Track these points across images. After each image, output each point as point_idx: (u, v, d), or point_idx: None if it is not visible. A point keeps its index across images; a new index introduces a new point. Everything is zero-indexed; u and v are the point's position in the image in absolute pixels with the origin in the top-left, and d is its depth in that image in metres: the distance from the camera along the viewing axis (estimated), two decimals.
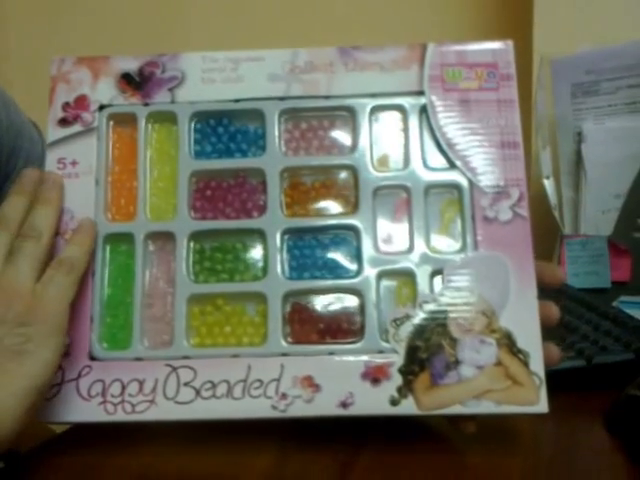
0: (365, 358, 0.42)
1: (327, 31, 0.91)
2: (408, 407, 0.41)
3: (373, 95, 0.46)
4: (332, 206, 0.46)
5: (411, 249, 0.44)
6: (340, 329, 0.43)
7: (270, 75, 0.47)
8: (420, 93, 0.46)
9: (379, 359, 0.42)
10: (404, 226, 0.45)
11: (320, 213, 0.45)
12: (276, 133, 0.46)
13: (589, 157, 0.77)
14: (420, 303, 0.43)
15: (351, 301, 0.44)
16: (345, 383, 0.41)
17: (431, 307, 0.42)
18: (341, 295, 0.44)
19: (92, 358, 0.43)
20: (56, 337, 0.40)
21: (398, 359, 0.42)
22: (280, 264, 0.44)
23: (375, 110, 0.46)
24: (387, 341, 0.42)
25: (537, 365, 0.41)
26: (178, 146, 0.46)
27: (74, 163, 0.46)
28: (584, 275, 0.75)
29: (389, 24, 0.93)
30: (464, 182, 0.44)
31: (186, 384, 0.42)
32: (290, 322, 0.43)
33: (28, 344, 0.39)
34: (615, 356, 0.52)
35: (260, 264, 0.45)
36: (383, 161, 0.46)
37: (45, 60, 0.49)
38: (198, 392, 0.42)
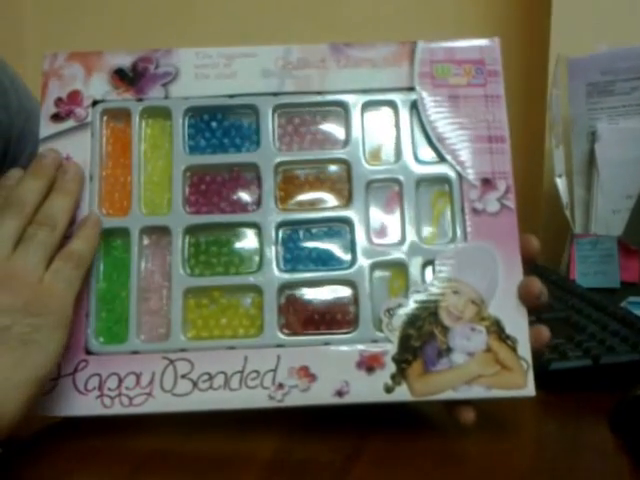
0: (359, 347, 0.44)
1: (319, 28, 0.92)
2: (402, 394, 0.43)
3: (365, 91, 0.48)
4: (326, 199, 0.47)
5: (403, 241, 0.46)
6: (334, 320, 0.45)
7: (263, 71, 0.48)
8: (411, 89, 0.48)
9: (373, 348, 0.44)
10: (396, 218, 0.47)
11: (314, 206, 0.47)
12: (270, 128, 0.48)
13: (602, 157, 0.79)
14: (412, 293, 0.45)
15: (345, 292, 0.45)
16: (340, 372, 0.43)
17: (423, 297, 0.44)
18: (335, 286, 0.46)
19: (88, 352, 0.44)
20: (62, 330, 0.41)
21: (392, 348, 0.44)
22: (275, 257, 0.46)
23: (367, 106, 0.48)
24: (381, 330, 0.44)
25: (524, 350, 0.43)
26: (172, 141, 0.48)
27: (67, 158, 0.47)
28: (593, 275, 0.77)
29: (394, 21, 0.94)
30: (453, 175, 0.47)
31: (183, 376, 0.43)
32: (285, 314, 0.45)
33: (35, 334, 0.39)
34: (622, 356, 0.52)
35: (255, 257, 0.46)
36: (375, 155, 0.48)
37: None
38: (195, 384, 0.43)
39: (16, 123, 0.60)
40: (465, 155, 0.47)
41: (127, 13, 1.00)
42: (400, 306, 0.44)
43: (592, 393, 0.50)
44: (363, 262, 0.45)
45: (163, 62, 0.49)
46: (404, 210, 0.46)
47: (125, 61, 0.49)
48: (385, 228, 0.47)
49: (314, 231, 0.47)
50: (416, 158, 0.47)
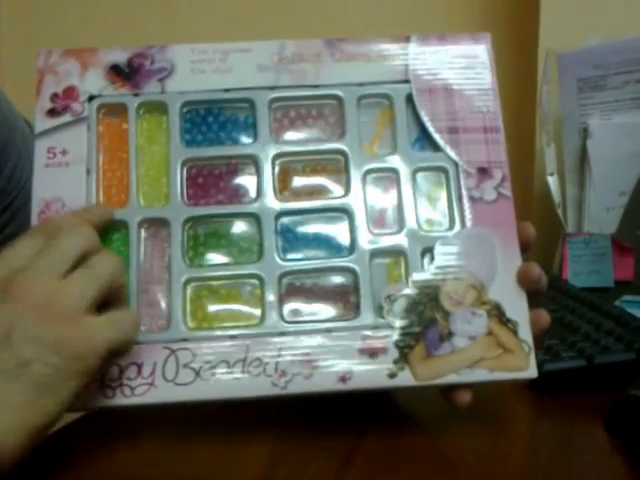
0: (361, 334, 0.45)
1: (313, 24, 0.93)
2: (405, 379, 0.44)
3: (360, 84, 0.49)
4: (323, 190, 0.48)
5: (401, 229, 0.47)
6: (336, 308, 0.46)
7: (259, 66, 0.50)
8: (405, 82, 0.49)
9: (375, 334, 0.44)
10: (394, 207, 0.48)
11: (312, 197, 0.48)
12: (267, 121, 0.49)
13: (594, 153, 0.78)
14: (412, 279, 0.46)
15: (345, 280, 0.46)
16: (343, 359, 0.44)
17: (423, 283, 0.46)
18: (335, 274, 0.46)
19: None
20: (80, 379, 0.38)
21: (393, 333, 0.44)
22: (275, 246, 0.47)
23: (362, 98, 0.49)
24: (382, 317, 0.45)
25: (525, 333, 0.45)
26: (169, 135, 0.49)
27: (64, 152, 0.48)
28: (587, 274, 0.76)
29: (384, 19, 0.95)
30: (450, 165, 0.48)
31: (185, 365, 0.44)
32: (286, 302, 0.46)
33: (53, 378, 0.37)
34: (616, 356, 0.52)
35: (255, 247, 0.47)
36: (371, 147, 0.49)
37: (33, 54, 0.50)
38: (198, 373, 0.43)
39: (0, 134, 0.60)
40: (461, 145, 0.48)
41: (113, 14, 1.00)
42: (401, 292, 0.45)
43: (587, 394, 0.50)
44: (363, 250, 0.46)
45: (158, 58, 0.50)
46: (402, 198, 0.48)
47: (120, 57, 0.50)
48: (383, 217, 0.48)
49: (313, 220, 0.48)
50: (412, 149, 0.49)
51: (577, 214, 0.80)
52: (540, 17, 0.86)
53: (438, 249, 0.46)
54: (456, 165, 0.48)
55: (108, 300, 0.41)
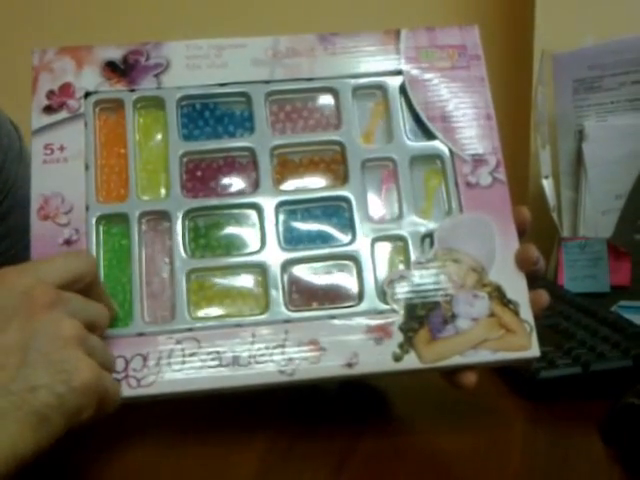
0: (366, 319, 0.45)
1: (306, 19, 0.94)
2: (411, 361, 0.44)
3: (354, 76, 0.51)
4: (322, 180, 0.49)
5: (401, 216, 0.48)
6: (339, 295, 0.47)
7: (254, 60, 0.51)
8: (398, 72, 0.51)
9: (379, 319, 0.45)
10: (392, 195, 0.49)
11: (310, 187, 0.49)
12: (263, 114, 0.50)
13: (590, 156, 0.76)
14: (414, 264, 0.47)
15: (347, 267, 0.47)
16: (349, 344, 0.44)
17: (424, 267, 0.46)
18: (337, 262, 0.47)
19: None
20: (79, 417, 0.38)
21: (398, 318, 0.45)
22: (276, 236, 0.47)
23: (357, 90, 0.51)
24: (385, 302, 0.46)
25: (526, 313, 0.46)
26: (166, 130, 0.49)
27: (62, 148, 0.48)
28: (582, 279, 0.74)
29: (372, 15, 0.95)
30: (445, 151, 0.49)
31: (191, 355, 0.44)
32: (290, 291, 0.46)
33: (54, 411, 0.36)
34: (613, 363, 0.52)
35: (256, 237, 0.48)
36: (368, 137, 0.50)
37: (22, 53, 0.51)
38: (204, 362, 0.44)
39: None
40: (455, 132, 0.50)
41: (107, 11, 1.00)
42: (403, 277, 0.46)
43: (582, 401, 0.50)
44: (363, 238, 0.47)
45: (154, 54, 0.50)
46: (400, 187, 0.49)
47: (116, 54, 0.50)
48: (382, 205, 0.49)
49: (313, 210, 0.49)
50: (408, 138, 0.50)
51: (572, 218, 0.78)
52: (535, 17, 0.85)
53: (438, 234, 0.47)
54: (451, 152, 0.49)
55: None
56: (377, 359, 0.44)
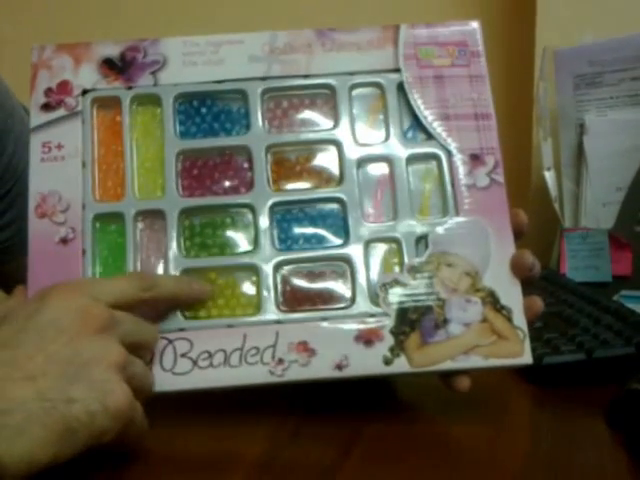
0: (357, 322, 0.46)
1: (304, 14, 0.94)
2: (401, 365, 0.45)
3: (351, 73, 0.50)
4: (317, 180, 0.49)
5: (396, 217, 0.48)
6: (331, 296, 0.47)
7: (250, 57, 0.51)
8: (396, 70, 0.50)
9: (371, 322, 0.46)
10: (388, 196, 0.49)
11: (306, 187, 0.49)
12: (259, 111, 0.50)
13: (591, 149, 0.79)
14: (407, 268, 0.47)
15: (341, 269, 0.47)
16: (339, 346, 0.45)
17: (417, 270, 0.46)
18: (331, 263, 0.47)
19: None
20: (101, 439, 0.38)
21: (389, 321, 0.46)
22: (270, 237, 0.48)
23: (354, 87, 0.50)
24: (377, 305, 0.46)
25: (519, 319, 0.46)
26: (163, 127, 0.50)
27: (59, 146, 0.49)
28: (584, 269, 0.77)
29: (378, 5, 0.95)
30: (442, 152, 0.49)
31: (183, 355, 0.45)
32: (282, 292, 0.47)
33: (84, 427, 0.37)
34: (616, 350, 0.53)
35: (250, 238, 0.48)
36: (364, 136, 0.50)
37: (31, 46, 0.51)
38: (195, 362, 0.44)
39: None
40: (452, 132, 0.49)
41: (112, 5, 1.00)
42: (396, 281, 0.46)
43: (586, 387, 0.51)
44: (357, 239, 0.47)
45: (151, 51, 0.51)
46: (395, 188, 0.49)
47: (113, 51, 0.51)
48: (377, 206, 0.49)
49: (307, 211, 0.49)
50: (404, 137, 0.50)
51: (574, 209, 0.81)
52: (537, 14, 0.87)
53: (432, 237, 0.47)
54: (448, 152, 0.49)
55: None
56: (367, 362, 0.45)
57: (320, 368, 0.45)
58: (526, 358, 0.45)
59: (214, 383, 0.44)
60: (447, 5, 0.96)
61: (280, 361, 0.45)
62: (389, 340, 0.45)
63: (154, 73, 0.50)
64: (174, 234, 0.48)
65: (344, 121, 0.50)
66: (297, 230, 0.48)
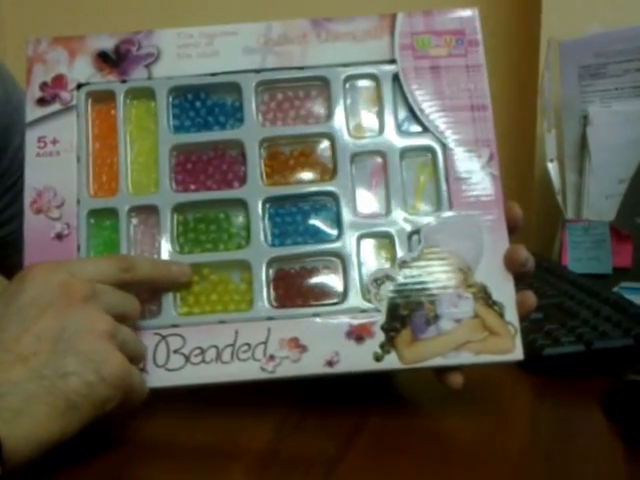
0: (348, 318, 0.46)
1: (299, 3, 0.93)
2: (391, 362, 0.45)
3: (346, 65, 0.50)
4: (311, 174, 0.49)
5: (389, 212, 0.48)
6: (323, 292, 0.47)
7: (245, 48, 0.50)
8: (392, 61, 0.50)
9: (362, 318, 0.46)
10: (381, 190, 0.49)
11: (300, 181, 0.49)
12: (253, 105, 0.50)
13: (594, 141, 0.79)
14: (399, 263, 0.47)
15: (333, 264, 0.48)
16: (330, 343, 0.45)
17: (410, 266, 0.47)
18: (323, 259, 0.48)
19: None
20: (105, 407, 0.39)
21: (380, 317, 0.46)
22: (263, 232, 0.48)
23: (349, 79, 0.50)
24: (369, 301, 0.46)
25: (511, 315, 0.46)
26: (157, 121, 0.50)
27: (54, 141, 0.49)
28: (585, 260, 0.78)
29: None
30: (437, 145, 0.49)
31: (175, 351, 0.45)
32: (275, 288, 0.47)
33: (85, 399, 0.38)
34: (615, 341, 0.54)
35: (243, 233, 0.48)
36: (358, 128, 0.50)
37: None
38: (188, 358, 0.45)
39: (2, 113, 0.61)
40: (448, 125, 0.49)
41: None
42: (387, 276, 0.47)
43: (585, 378, 0.51)
44: (350, 234, 0.48)
45: (145, 43, 0.51)
46: (389, 181, 0.48)
47: (108, 44, 0.51)
48: (371, 200, 0.49)
49: (300, 205, 0.49)
50: (399, 130, 0.49)
51: (577, 201, 0.81)
52: (542, 5, 0.87)
53: (425, 232, 0.47)
54: (443, 145, 0.49)
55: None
56: (358, 358, 0.45)
57: (311, 364, 0.45)
58: (517, 354, 0.45)
59: (206, 379, 0.45)
60: None
61: (271, 357, 0.45)
62: (380, 336, 0.45)
63: (148, 66, 0.50)
64: (167, 230, 0.48)
65: (338, 114, 0.50)
66: (290, 225, 0.49)
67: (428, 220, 0.47)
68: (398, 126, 0.49)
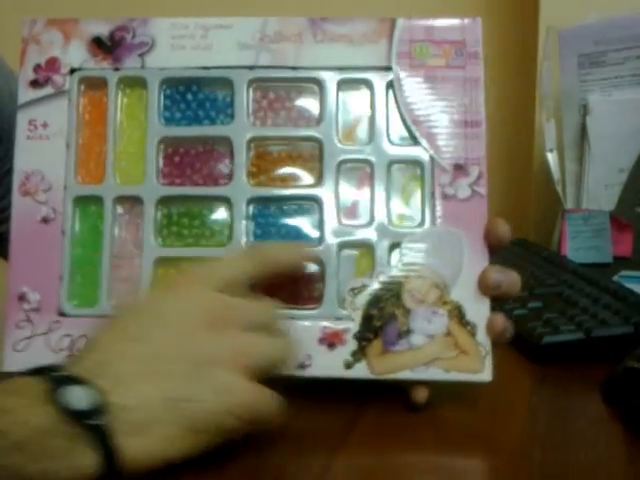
0: (323, 324, 0.47)
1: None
2: (361, 371, 0.46)
3: (341, 68, 0.50)
4: (297, 177, 0.50)
5: (371, 221, 0.48)
6: (300, 295, 0.48)
7: (239, 44, 0.50)
8: (388, 68, 0.49)
9: (336, 325, 0.47)
10: (366, 199, 0.49)
11: (285, 183, 0.49)
12: (244, 102, 0.50)
13: (594, 130, 0.79)
14: (377, 274, 0.47)
15: (312, 269, 0.48)
16: (303, 346, 0.46)
17: (387, 278, 0.47)
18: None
19: (61, 314, 0.47)
20: (224, 436, 0.39)
21: (354, 326, 0.47)
22: (245, 231, 0.48)
23: (342, 83, 0.50)
24: (344, 308, 0.47)
25: (483, 336, 0.46)
26: (147, 112, 0.50)
27: (45, 125, 0.49)
28: (585, 250, 0.79)
29: None
30: (426, 158, 0.49)
31: None
32: (252, 288, 0.48)
33: (207, 427, 0.38)
34: (614, 329, 0.55)
35: (225, 231, 0.49)
36: (349, 134, 0.50)
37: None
38: None
39: (4, 105, 0.61)
40: (439, 139, 0.49)
41: None
42: (364, 286, 0.47)
43: (584, 365, 0.53)
44: (331, 241, 0.48)
45: (140, 32, 0.50)
46: (374, 191, 0.49)
47: (103, 30, 0.51)
48: (355, 208, 0.49)
49: (284, 208, 0.49)
50: (389, 139, 0.49)
51: (576, 190, 0.82)
52: None
53: (406, 245, 0.48)
54: (432, 159, 0.49)
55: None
56: (329, 364, 0.46)
57: None
58: (486, 375, 0.46)
59: None
60: None
61: None
62: (352, 345, 0.46)
63: (142, 55, 0.50)
64: (150, 221, 0.49)
65: (329, 118, 0.49)
66: (272, 226, 0.49)
67: (410, 234, 0.48)
68: (388, 136, 0.49)
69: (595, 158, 0.79)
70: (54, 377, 0.37)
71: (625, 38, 0.78)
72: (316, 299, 0.48)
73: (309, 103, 0.50)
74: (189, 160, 0.50)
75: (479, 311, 0.47)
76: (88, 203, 0.49)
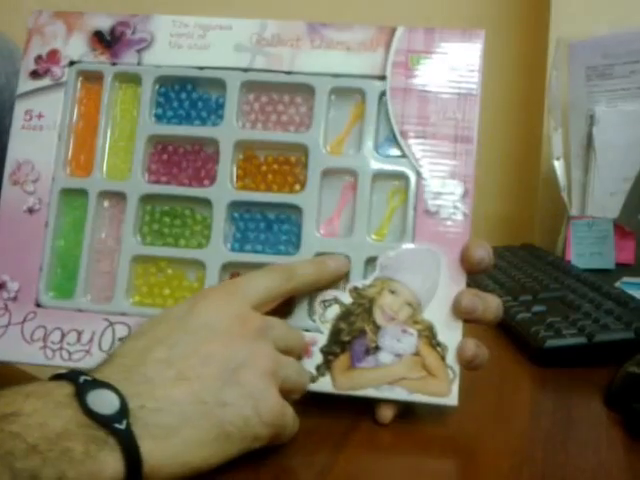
0: None
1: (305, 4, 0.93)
2: (324, 385, 0.46)
3: (335, 75, 0.49)
4: (281, 183, 0.50)
5: (350, 234, 0.48)
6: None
7: (236, 45, 0.50)
8: (382, 78, 0.49)
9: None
10: (348, 210, 0.48)
11: (269, 189, 0.49)
12: (235, 105, 0.50)
13: (600, 140, 0.82)
14: (350, 288, 0.47)
15: None
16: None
17: (360, 292, 0.47)
18: None
19: (38, 305, 0.49)
20: (254, 444, 0.39)
21: (322, 339, 0.46)
22: (223, 235, 0.49)
23: (335, 91, 0.49)
24: (314, 321, 0.47)
25: (453, 359, 0.45)
26: (139, 108, 0.51)
27: (40, 116, 0.51)
28: (589, 256, 0.82)
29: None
30: (412, 173, 0.48)
31: (120, 339, 0.47)
32: None
33: (238, 432, 0.38)
34: (616, 334, 0.56)
35: (206, 232, 0.49)
36: (339, 143, 0.49)
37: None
38: None
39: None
40: (427, 154, 0.48)
41: None
42: (336, 299, 0.47)
43: (586, 369, 0.54)
44: (307, 251, 0.48)
45: (140, 28, 0.51)
46: (356, 203, 0.48)
47: (105, 24, 0.52)
48: (335, 219, 0.49)
49: (265, 213, 0.49)
50: (377, 151, 0.49)
51: (581, 198, 0.84)
52: (551, 6, 0.90)
53: (381, 260, 0.47)
54: (418, 174, 0.48)
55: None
56: None
57: None
58: (452, 399, 0.45)
59: None
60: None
61: None
62: (317, 358, 0.46)
63: (139, 51, 0.51)
64: (132, 218, 0.50)
65: (318, 126, 0.49)
66: (252, 232, 0.49)
67: (387, 249, 0.47)
68: (376, 147, 0.49)
69: (600, 167, 0.82)
70: (78, 381, 0.36)
71: (632, 52, 0.81)
72: (287, 310, 0.47)
73: (301, 109, 0.50)
74: (177, 159, 0.51)
75: (451, 333, 0.45)
76: (75, 196, 0.50)
